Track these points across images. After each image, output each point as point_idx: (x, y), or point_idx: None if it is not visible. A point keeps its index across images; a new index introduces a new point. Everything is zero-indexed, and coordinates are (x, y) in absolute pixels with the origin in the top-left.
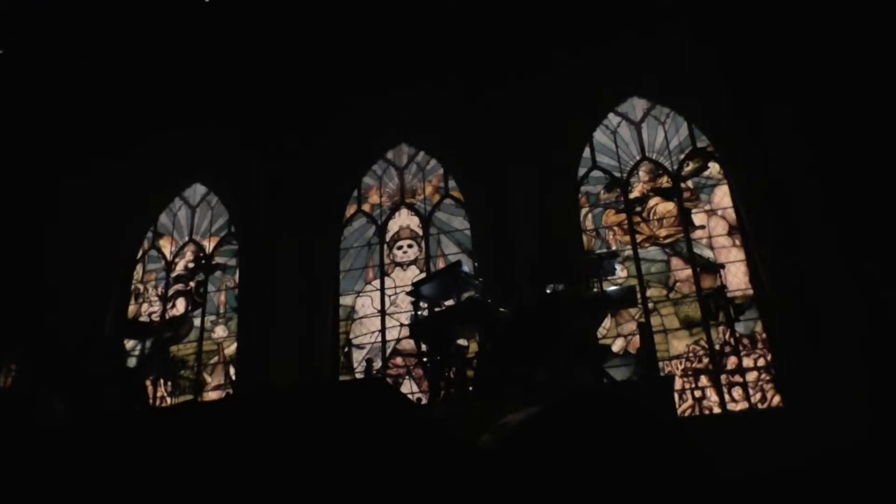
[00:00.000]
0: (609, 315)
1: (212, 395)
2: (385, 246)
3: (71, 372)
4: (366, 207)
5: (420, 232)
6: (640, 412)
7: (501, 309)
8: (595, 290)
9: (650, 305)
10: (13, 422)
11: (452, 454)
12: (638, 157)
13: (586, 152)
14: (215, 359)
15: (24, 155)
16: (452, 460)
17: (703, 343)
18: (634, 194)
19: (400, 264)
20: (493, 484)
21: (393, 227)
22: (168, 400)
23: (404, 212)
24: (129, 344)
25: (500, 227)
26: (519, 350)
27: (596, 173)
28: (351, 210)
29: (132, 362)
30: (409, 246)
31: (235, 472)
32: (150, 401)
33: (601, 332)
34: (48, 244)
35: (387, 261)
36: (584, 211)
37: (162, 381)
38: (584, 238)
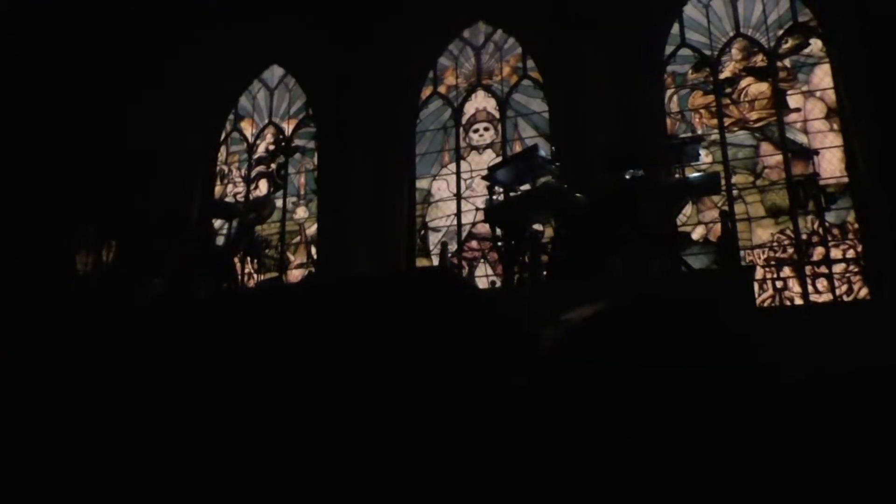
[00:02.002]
0: (690, 202)
1: (295, 273)
2: (461, 129)
3: (164, 251)
4: (441, 89)
5: (497, 115)
6: (713, 317)
7: (578, 194)
8: (676, 175)
9: (735, 192)
10: (114, 297)
11: (518, 349)
12: (731, 34)
13: (675, 29)
14: (297, 238)
15: (110, 41)
16: (516, 356)
17: (788, 232)
18: (725, 74)
19: (476, 148)
20: (550, 383)
21: (469, 109)
22: (255, 277)
23: (481, 93)
24: (216, 224)
25: (580, 109)
26: (594, 237)
27: (684, 51)
28: (427, 92)
29: (220, 241)
30: (486, 129)
31: (310, 356)
32: (239, 278)
33: (681, 219)
34: (134, 126)
35: (463, 144)
36: (669, 92)
37: (249, 259)
38: (668, 121)
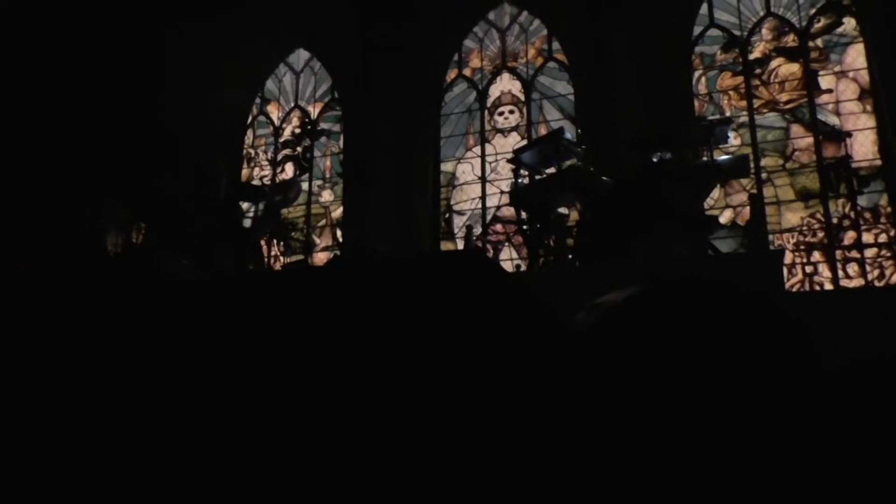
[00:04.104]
0: (718, 185)
1: (321, 256)
2: (486, 112)
3: (191, 232)
4: (466, 72)
5: (522, 97)
6: (746, 299)
7: (604, 178)
8: (704, 158)
9: (764, 175)
10: (143, 278)
11: (547, 333)
12: (761, 13)
13: (703, 9)
14: (323, 221)
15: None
16: (546, 340)
17: (819, 216)
18: (754, 55)
19: (501, 131)
20: (583, 368)
21: (494, 91)
22: (281, 259)
23: (506, 76)
24: (243, 206)
25: (606, 91)
26: (620, 220)
27: (713, 32)
28: (451, 75)
29: (247, 223)
30: (511, 112)
31: (335, 337)
32: (265, 259)
33: (709, 202)
34: (162, 107)
35: (488, 127)
36: (697, 73)
37: (275, 241)
38: (696, 103)
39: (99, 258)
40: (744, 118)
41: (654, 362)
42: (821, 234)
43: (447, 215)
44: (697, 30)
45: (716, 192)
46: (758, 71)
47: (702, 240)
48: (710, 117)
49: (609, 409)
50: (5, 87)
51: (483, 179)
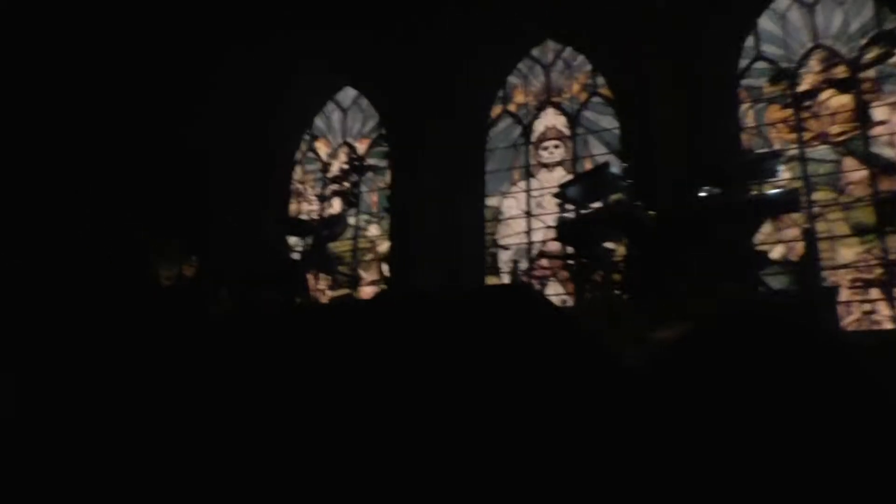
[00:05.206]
0: (768, 220)
1: (367, 290)
2: (531, 146)
3: (240, 267)
4: (511, 107)
5: (567, 132)
6: (804, 334)
7: (650, 212)
8: (754, 193)
9: (816, 210)
10: (191, 311)
11: (598, 369)
12: (810, 45)
13: (749, 41)
14: (369, 256)
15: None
16: (597, 375)
17: (875, 252)
18: (803, 87)
19: (546, 165)
20: (636, 403)
21: (539, 127)
22: (327, 293)
23: (550, 111)
24: (290, 241)
25: (651, 125)
26: (667, 256)
27: (760, 64)
28: (496, 111)
29: (295, 258)
30: (556, 146)
31: (382, 371)
32: (311, 293)
33: (759, 237)
34: (209, 147)
35: (532, 162)
36: (744, 106)
37: (321, 275)
38: (744, 137)
39: (152, 292)
40: (794, 151)
41: (707, 398)
42: (878, 271)
43: (492, 250)
44: (744, 62)
45: (766, 227)
46: (807, 103)
47: (752, 276)
48: (759, 150)
49: (663, 444)
50: (48, 103)
51: (528, 214)
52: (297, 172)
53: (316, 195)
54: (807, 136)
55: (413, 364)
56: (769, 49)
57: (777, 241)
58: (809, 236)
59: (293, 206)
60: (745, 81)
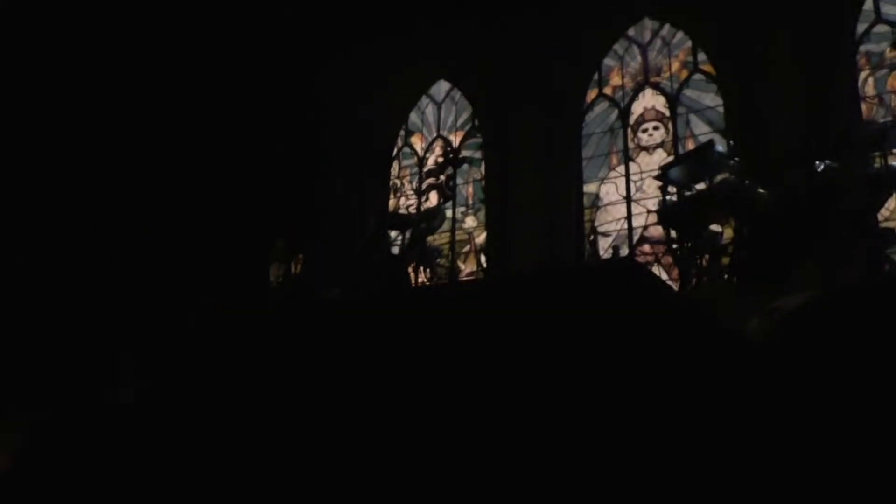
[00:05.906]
0: (894, 193)
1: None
2: (629, 130)
3: (345, 262)
4: (607, 90)
5: (666, 112)
6: None
7: (761, 190)
8: (877, 165)
9: None
10: (300, 302)
11: (716, 341)
12: None
13: (868, 3)
14: (467, 248)
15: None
16: (716, 348)
17: None
18: None
19: (645, 148)
20: (763, 375)
21: (637, 109)
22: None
23: (648, 92)
24: (390, 235)
25: (760, 99)
26: (784, 236)
27: (880, 28)
28: (592, 94)
29: (395, 252)
30: (655, 128)
31: (488, 352)
32: (412, 286)
33: (884, 213)
34: (316, 148)
35: (631, 145)
36: (863, 74)
37: (422, 268)
38: (864, 106)
39: (263, 289)
40: None
41: (835, 367)
42: None
43: (592, 237)
44: (862, 27)
45: (892, 202)
46: None
47: (877, 253)
48: (882, 120)
49: (791, 415)
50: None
51: (628, 199)
52: (394, 168)
53: (413, 189)
54: None
55: (548, 342)
56: (890, 11)
57: None
58: None
59: (392, 202)
60: (863, 47)
